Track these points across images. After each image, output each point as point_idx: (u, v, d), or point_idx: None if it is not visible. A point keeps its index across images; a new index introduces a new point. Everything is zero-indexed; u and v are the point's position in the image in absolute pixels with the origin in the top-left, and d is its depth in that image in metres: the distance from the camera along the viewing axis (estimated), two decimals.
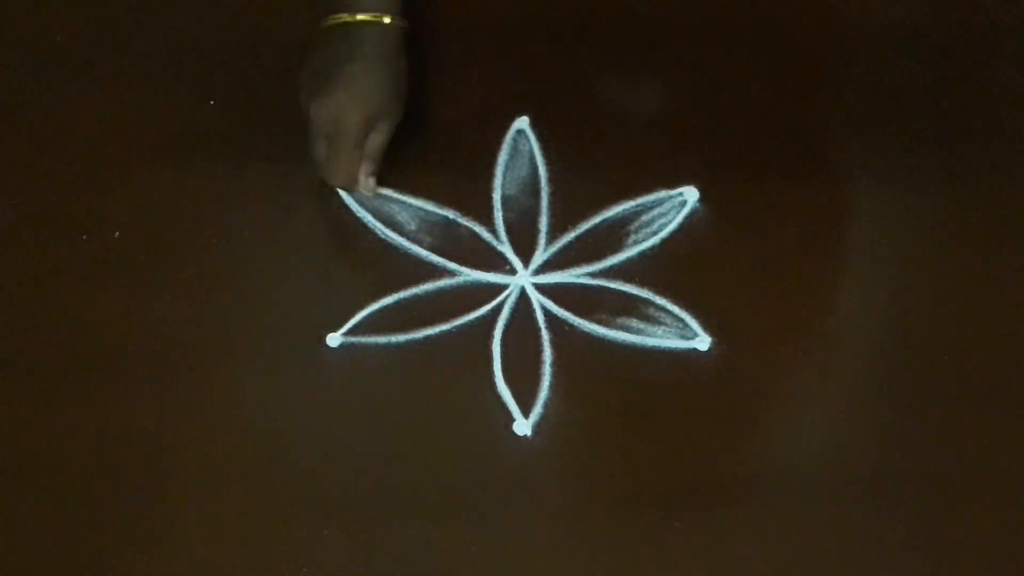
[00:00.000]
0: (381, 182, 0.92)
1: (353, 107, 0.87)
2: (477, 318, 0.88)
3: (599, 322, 0.88)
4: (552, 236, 0.91)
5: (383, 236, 0.91)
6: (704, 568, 0.81)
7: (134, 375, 0.87)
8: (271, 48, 0.98)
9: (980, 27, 0.98)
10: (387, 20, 0.88)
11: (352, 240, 0.91)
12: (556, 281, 0.90)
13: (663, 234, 0.91)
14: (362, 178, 0.89)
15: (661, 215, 0.91)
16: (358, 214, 0.92)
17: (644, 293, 0.89)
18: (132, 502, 0.83)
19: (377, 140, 0.89)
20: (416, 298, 0.89)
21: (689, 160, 0.93)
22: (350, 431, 0.85)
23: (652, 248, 0.90)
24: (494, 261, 0.91)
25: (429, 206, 0.92)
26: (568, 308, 0.89)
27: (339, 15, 0.88)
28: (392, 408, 0.86)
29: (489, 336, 0.88)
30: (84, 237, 0.91)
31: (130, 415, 0.85)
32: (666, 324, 0.88)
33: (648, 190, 0.92)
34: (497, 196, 0.93)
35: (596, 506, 0.83)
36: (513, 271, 0.90)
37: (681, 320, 0.88)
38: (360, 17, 0.88)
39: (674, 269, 0.89)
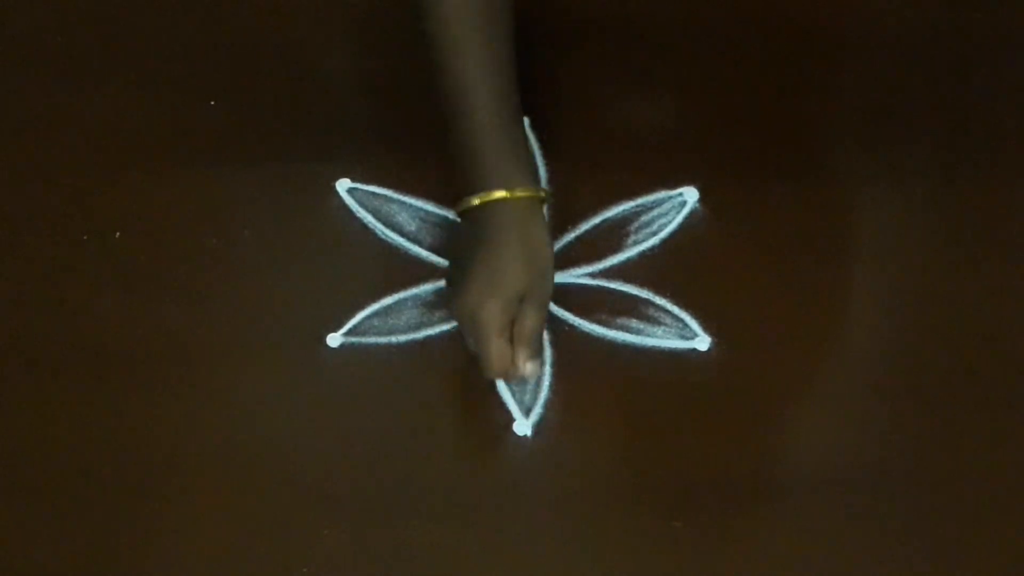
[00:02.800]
0: (381, 182, 0.92)
1: (486, 302, 0.80)
2: None
3: (599, 322, 0.88)
4: (551, 236, 0.91)
5: (383, 236, 0.91)
6: (704, 568, 0.81)
7: (134, 375, 0.87)
8: (271, 48, 0.98)
9: (980, 27, 0.98)
10: (519, 193, 0.80)
11: (352, 240, 0.91)
12: (556, 281, 0.90)
13: (663, 234, 0.91)
14: (520, 364, 0.81)
15: (661, 215, 0.91)
16: (358, 214, 0.92)
17: (644, 293, 0.89)
18: (132, 502, 0.83)
19: (529, 322, 0.81)
20: (416, 298, 0.89)
21: (689, 160, 0.93)
22: (350, 431, 0.85)
23: (652, 248, 0.90)
24: None
25: (429, 206, 0.92)
26: (568, 308, 0.89)
27: (467, 200, 0.82)
28: (392, 408, 0.86)
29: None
30: (84, 237, 0.91)
31: (130, 415, 0.85)
32: (666, 324, 0.88)
33: (648, 190, 0.92)
34: None
35: (596, 506, 0.83)
36: None
37: (681, 320, 0.88)
38: (489, 197, 0.81)
39: (674, 269, 0.89)
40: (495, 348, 0.81)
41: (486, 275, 0.81)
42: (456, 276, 0.83)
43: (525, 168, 0.82)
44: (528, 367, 0.81)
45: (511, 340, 0.81)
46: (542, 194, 0.83)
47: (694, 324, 0.88)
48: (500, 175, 0.81)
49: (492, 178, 0.81)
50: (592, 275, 0.90)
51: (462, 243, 0.84)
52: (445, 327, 0.88)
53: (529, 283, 0.81)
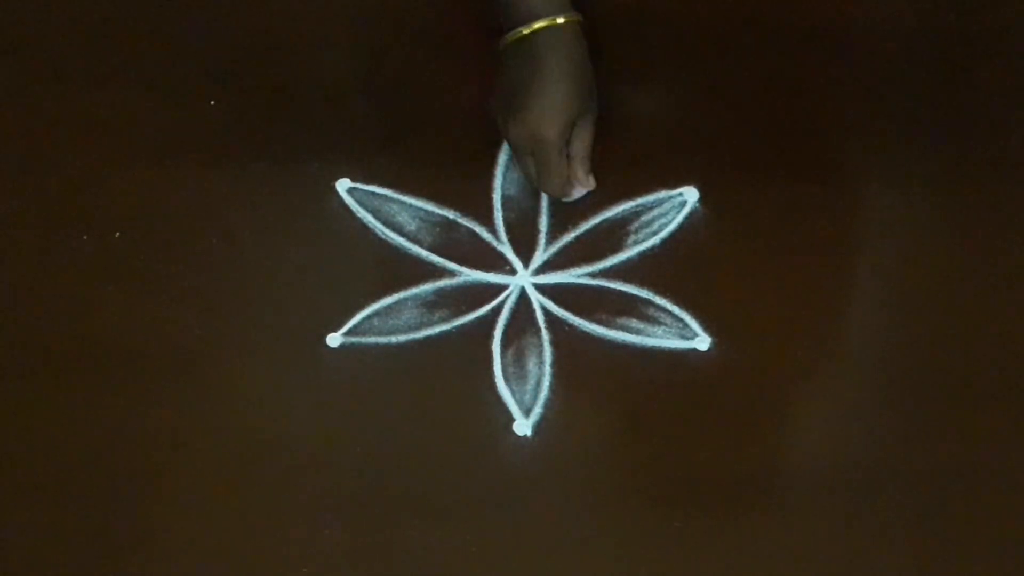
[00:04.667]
0: (381, 182, 0.92)
1: (548, 122, 0.87)
2: (477, 318, 0.88)
3: (599, 322, 0.88)
4: (552, 236, 0.91)
5: (383, 236, 0.91)
6: (703, 568, 0.81)
7: (134, 375, 0.87)
8: (271, 48, 0.98)
9: (980, 27, 0.98)
10: (561, 20, 0.87)
11: (352, 240, 0.91)
12: (556, 281, 0.90)
13: (663, 234, 0.91)
14: (582, 178, 0.90)
15: (661, 215, 0.91)
16: (358, 214, 0.92)
17: (644, 293, 0.89)
18: (132, 502, 0.83)
19: (583, 141, 0.90)
20: (416, 298, 0.89)
21: (689, 160, 0.93)
22: (350, 431, 0.85)
23: (652, 248, 0.90)
24: (494, 261, 0.91)
25: (429, 206, 0.92)
26: (568, 308, 0.89)
27: (516, 30, 0.87)
28: (392, 408, 0.86)
29: (489, 336, 0.88)
30: (84, 237, 0.91)
31: (130, 415, 0.85)
32: (666, 324, 0.88)
33: (648, 190, 0.92)
34: (497, 196, 0.93)
35: (596, 506, 0.83)
36: (513, 271, 0.90)
37: (681, 320, 0.88)
38: (537, 26, 0.87)
39: (674, 269, 0.89)
40: (556, 165, 0.89)
41: (544, 97, 0.87)
42: (511, 105, 0.88)
43: None
44: (590, 179, 0.90)
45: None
46: (580, 19, 0.89)
47: (694, 324, 0.88)
48: (546, 5, 0.88)
49: (539, 8, 0.88)
50: (592, 275, 0.90)
51: (512, 75, 0.89)
52: (445, 327, 0.88)
53: (583, 102, 0.88)
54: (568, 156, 0.89)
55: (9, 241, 0.91)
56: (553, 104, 0.87)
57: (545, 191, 0.90)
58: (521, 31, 0.87)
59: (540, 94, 0.87)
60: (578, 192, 0.90)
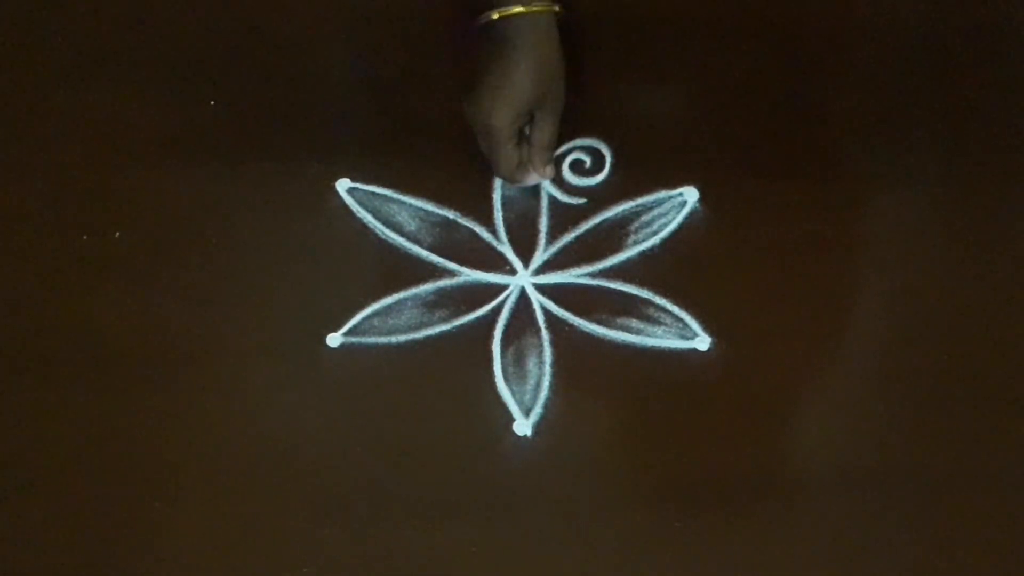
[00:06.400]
0: (380, 181, 0.92)
1: (497, 111, 0.87)
2: (477, 318, 0.89)
3: (599, 322, 0.88)
4: (552, 236, 0.91)
5: (383, 236, 0.91)
6: (704, 568, 0.81)
7: (134, 375, 0.87)
8: (271, 48, 0.98)
9: (980, 27, 0.98)
10: (535, 8, 0.86)
11: (352, 240, 0.91)
12: (556, 281, 0.90)
13: (663, 234, 0.91)
14: (539, 167, 0.90)
15: (661, 215, 0.91)
16: (358, 214, 0.92)
17: (644, 293, 0.89)
18: (132, 502, 0.83)
19: (543, 131, 0.89)
20: (416, 298, 0.89)
21: (689, 160, 0.93)
22: (350, 431, 0.85)
23: (652, 248, 0.90)
24: (494, 261, 0.91)
25: (429, 206, 0.92)
26: (568, 308, 0.89)
27: (487, 13, 0.87)
28: (392, 408, 0.86)
29: (489, 336, 0.88)
30: (84, 237, 0.91)
31: (130, 415, 0.85)
32: (666, 324, 0.88)
33: (648, 190, 0.92)
34: (497, 196, 0.93)
35: (596, 506, 0.83)
36: (513, 271, 0.91)
37: (681, 320, 0.88)
38: (514, 10, 0.86)
39: (674, 269, 0.89)
40: (504, 152, 0.89)
41: (498, 85, 0.87)
42: (471, 86, 0.89)
43: None
44: (547, 170, 0.91)
45: (525, 146, 0.90)
46: (556, 9, 0.88)
47: (694, 324, 0.88)
48: None
49: None
50: (592, 275, 0.90)
51: (482, 57, 0.88)
52: (445, 327, 0.88)
53: (539, 94, 0.88)
54: (530, 143, 0.90)
55: (9, 241, 0.91)
56: (504, 95, 0.86)
57: (495, 173, 0.91)
58: (491, 15, 0.86)
59: (494, 83, 0.86)
60: (532, 180, 0.91)
